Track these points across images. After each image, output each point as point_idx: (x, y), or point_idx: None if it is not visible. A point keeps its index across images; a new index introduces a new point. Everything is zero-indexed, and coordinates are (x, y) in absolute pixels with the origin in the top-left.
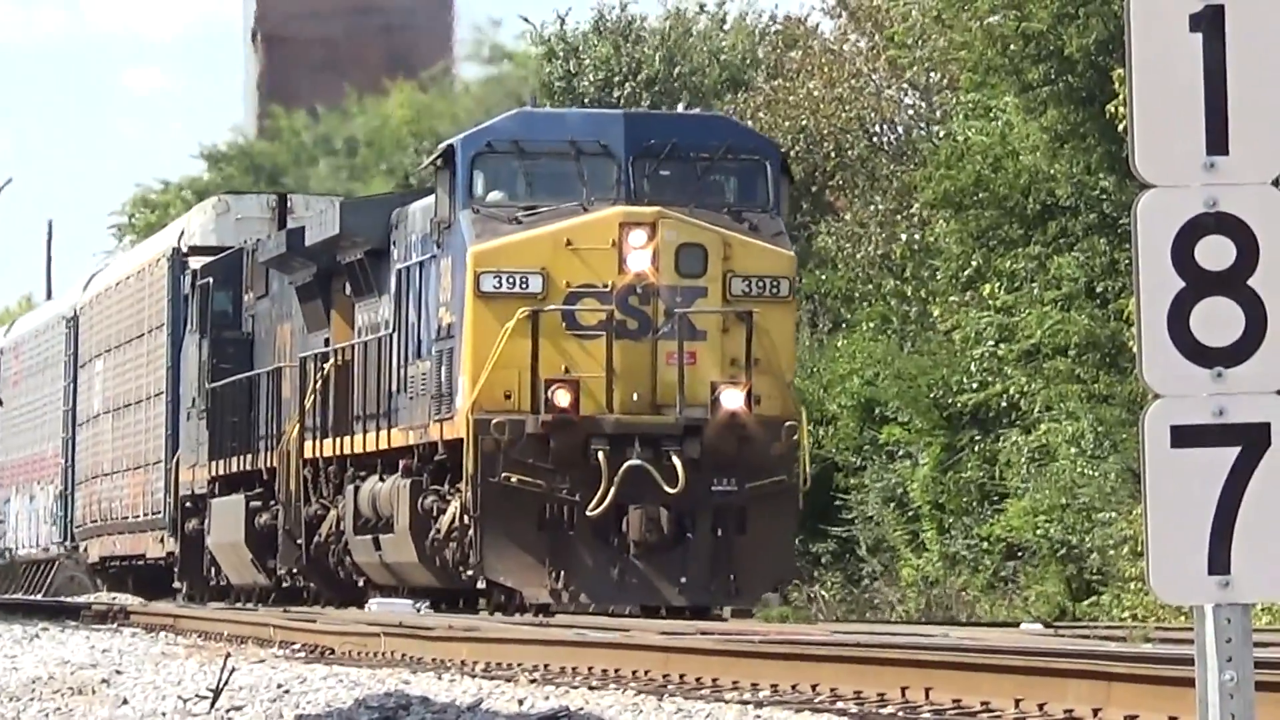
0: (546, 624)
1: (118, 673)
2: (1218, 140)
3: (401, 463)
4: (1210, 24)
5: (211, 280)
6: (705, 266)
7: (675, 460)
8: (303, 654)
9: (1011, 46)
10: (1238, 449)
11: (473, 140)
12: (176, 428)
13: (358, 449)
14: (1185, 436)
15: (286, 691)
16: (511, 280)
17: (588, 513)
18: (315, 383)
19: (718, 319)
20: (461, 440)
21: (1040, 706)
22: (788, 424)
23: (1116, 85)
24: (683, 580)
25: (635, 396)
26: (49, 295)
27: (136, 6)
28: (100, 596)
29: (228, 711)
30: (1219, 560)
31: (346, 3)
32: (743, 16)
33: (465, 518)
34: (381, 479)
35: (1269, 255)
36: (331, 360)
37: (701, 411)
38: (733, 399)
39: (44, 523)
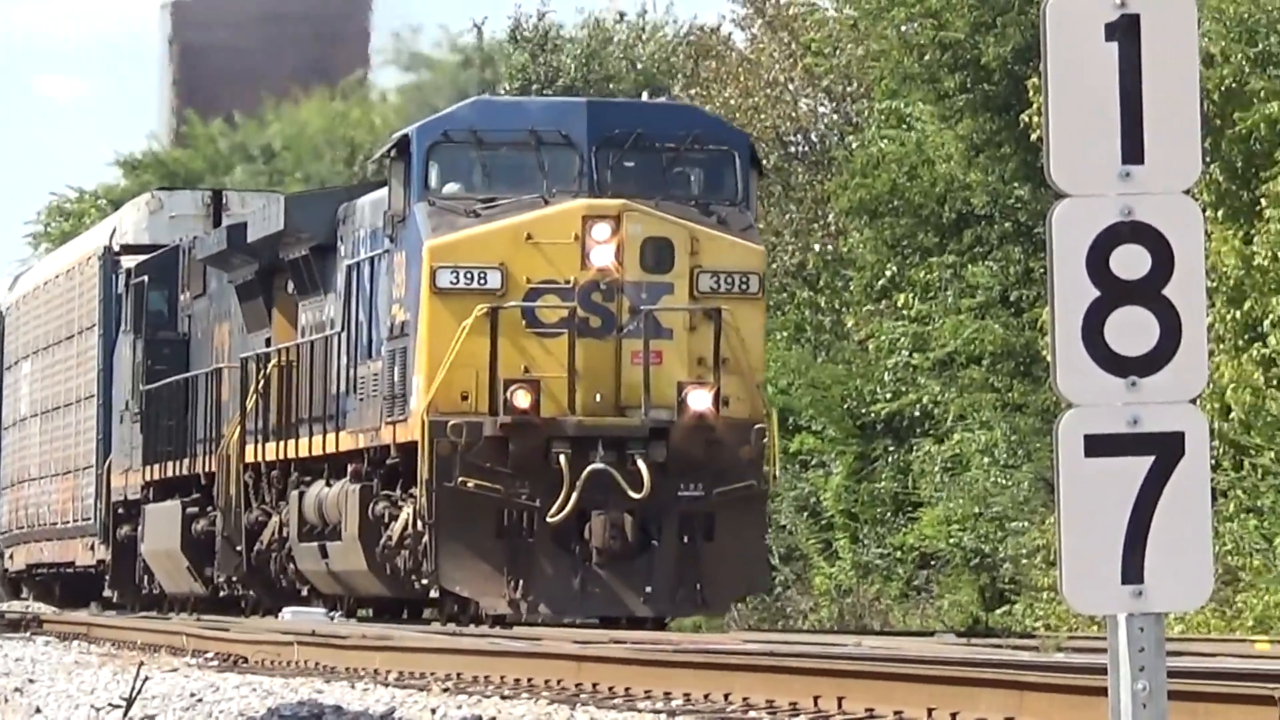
0: (459, 633)
1: (30, 681)
2: (1133, 150)
3: (350, 467)
4: (1125, 33)
5: (146, 279)
6: (672, 262)
7: (640, 464)
8: (216, 663)
9: (928, 55)
10: (1151, 458)
11: (428, 129)
12: (109, 431)
13: (303, 453)
14: (1099, 446)
15: (199, 700)
16: (469, 276)
17: (548, 519)
18: (257, 384)
19: (684, 317)
20: (415, 443)
21: (953, 716)
22: (757, 426)
23: (1032, 94)
24: (648, 590)
25: (598, 398)
26: None
27: (50, 12)
28: (13, 605)
29: None
30: (1132, 570)
31: (264, 10)
32: (660, 26)
33: (419, 524)
34: (328, 484)
35: (1183, 265)
36: (274, 360)
37: (668, 413)
38: (700, 400)
39: None
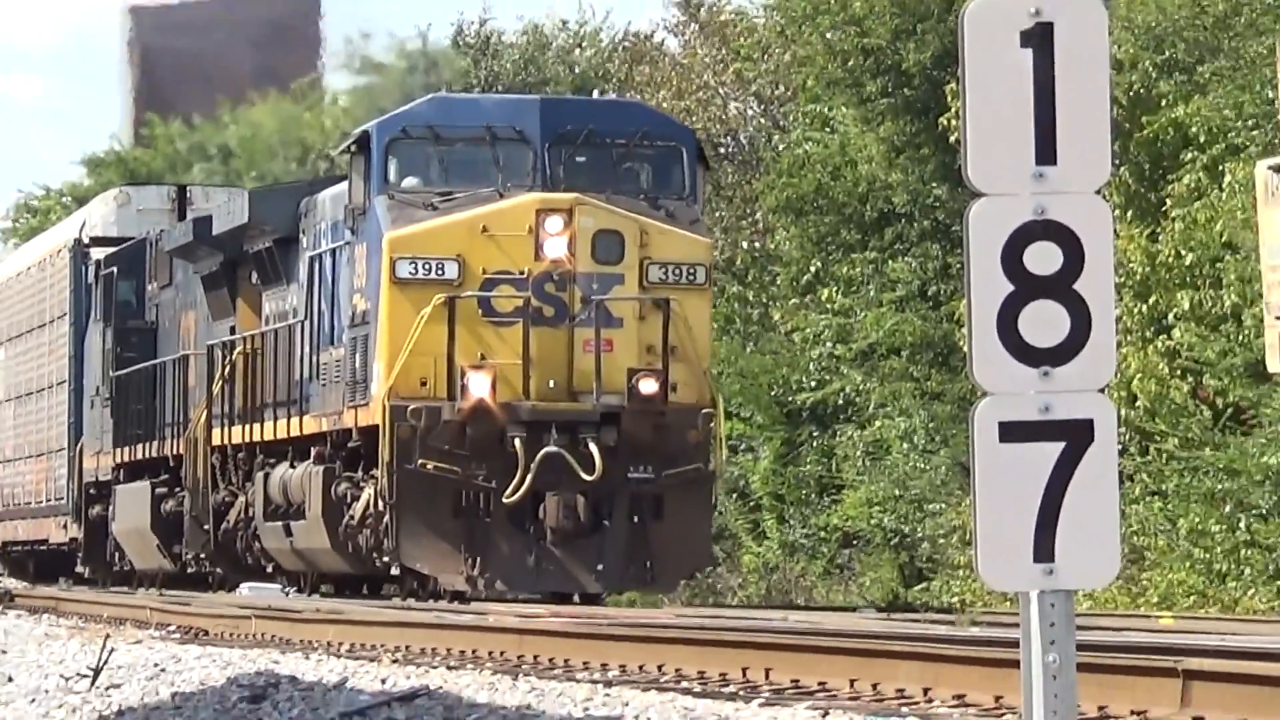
0: (409, 608)
1: (3, 652)
2: (1046, 151)
3: (313, 450)
4: (1040, 41)
5: (115, 270)
6: (622, 253)
7: (592, 447)
8: (178, 635)
9: (851, 61)
10: (1062, 444)
11: (388, 125)
12: (80, 416)
13: (268, 436)
14: (1013, 432)
15: (162, 670)
16: (427, 267)
17: (504, 500)
18: (223, 370)
19: (634, 306)
20: (376, 427)
21: (874, 686)
22: (704, 412)
23: (950, 98)
24: (599, 567)
25: (552, 384)
26: None
27: (13, 13)
28: None
29: (107, 689)
30: (1044, 549)
31: (220, 16)
32: (596, 31)
33: (380, 504)
34: (292, 466)
35: (1093, 261)
36: (239, 348)
37: (618, 399)
38: (649, 386)
39: None
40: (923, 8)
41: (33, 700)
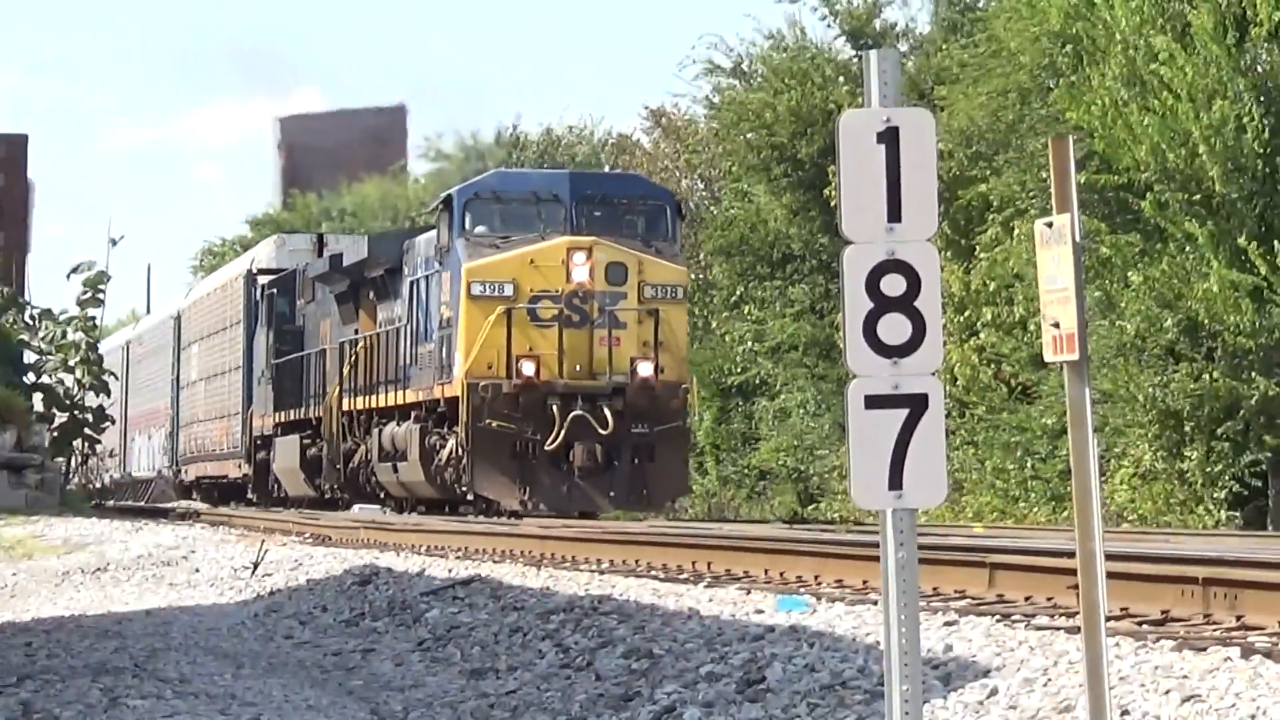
0: (467, 520)
1: (193, 551)
2: (894, 212)
3: (413, 413)
4: (889, 139)
5: (275, 291)
6: (626, 278)
7: (606, 411)
8: (311, 540)
9: (763, 153)
10: (907, 410)
11: (465, 190)
12: (250, 390)
13: (381, 404)
14: (874, 401)
15: (300, 564)
16: (492, 287)
17: (546, 447)
18: (350, 358)
19: (635, 314)
20: (457, 397)
21: (781, 574)
22: (683, 387)
23: (831, 177)
24: (611, 494)
25: (578, 367)
26: (148, 311)
27: (203, 121)
28: (180, 503)
29: (263, 576)
30: (895, 480)
31: (340, 123)
32: (592, 133)
33: (460, 451)
34: (398, 424)
35: (926, 286)
36: (361, 344)
37: (624, 378)
38: (645, 369)
39: (158, 454)
40: (811, 116)
41: (212, 584)
